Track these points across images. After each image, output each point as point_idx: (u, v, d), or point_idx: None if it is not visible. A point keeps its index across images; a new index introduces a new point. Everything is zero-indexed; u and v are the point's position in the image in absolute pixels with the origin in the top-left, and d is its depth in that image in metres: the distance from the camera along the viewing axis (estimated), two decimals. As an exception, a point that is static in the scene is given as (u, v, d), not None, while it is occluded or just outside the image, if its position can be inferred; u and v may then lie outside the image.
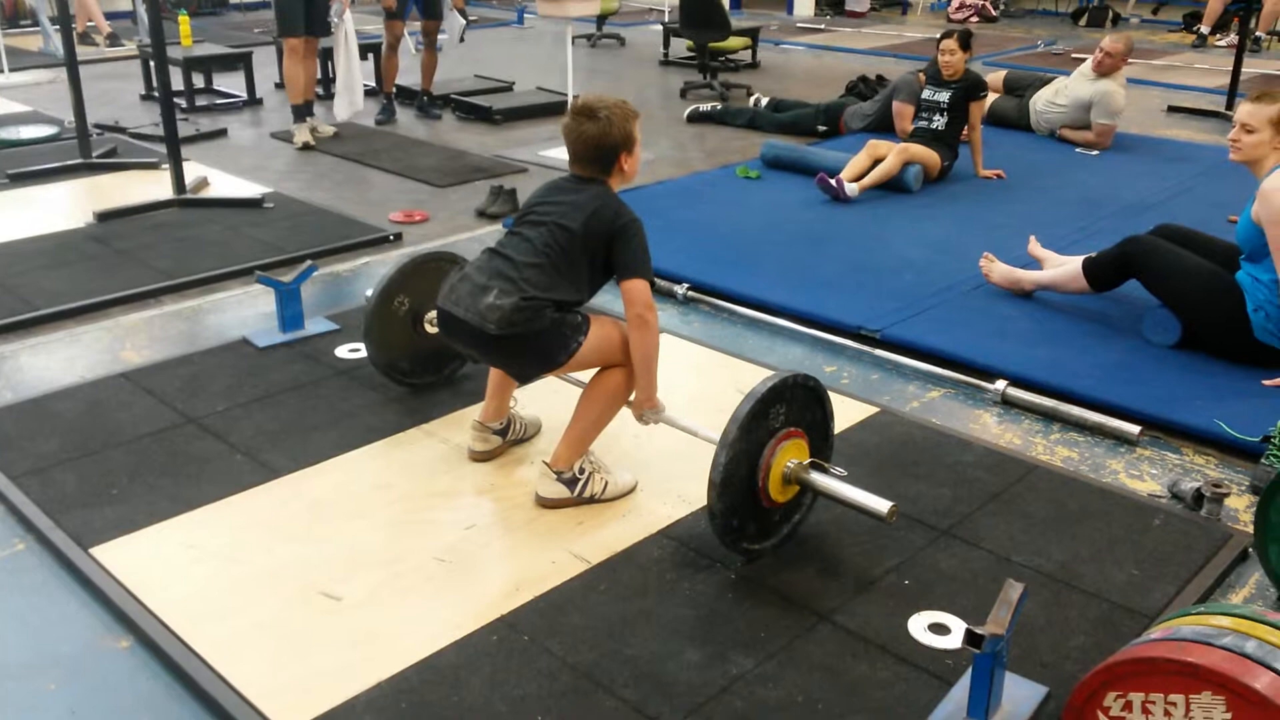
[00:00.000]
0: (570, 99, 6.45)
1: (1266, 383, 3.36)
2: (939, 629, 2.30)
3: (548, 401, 3.19)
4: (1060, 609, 2.37)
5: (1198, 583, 2.46)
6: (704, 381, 3.45)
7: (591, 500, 2.74)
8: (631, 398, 2.74)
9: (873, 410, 3.25)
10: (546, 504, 2.73)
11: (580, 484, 2.72)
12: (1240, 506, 2.82)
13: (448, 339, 2.78)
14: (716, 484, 2.36)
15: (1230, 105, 7.39)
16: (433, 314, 3.22)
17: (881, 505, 2.41)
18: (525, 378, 2.84)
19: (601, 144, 2.62)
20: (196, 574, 2.46)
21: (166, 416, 3.16)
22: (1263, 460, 2.91)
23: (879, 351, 3.70)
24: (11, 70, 8.46)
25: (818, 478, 2.50)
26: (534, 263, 2.60)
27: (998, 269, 4.16)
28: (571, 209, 2.63)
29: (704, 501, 2.73)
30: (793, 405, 2.50)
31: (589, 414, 2.72)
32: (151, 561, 2.50)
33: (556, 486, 2.72)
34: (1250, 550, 2.58)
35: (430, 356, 3.33)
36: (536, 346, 2.62)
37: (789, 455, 2.48)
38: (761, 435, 2.43)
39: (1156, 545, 2.60)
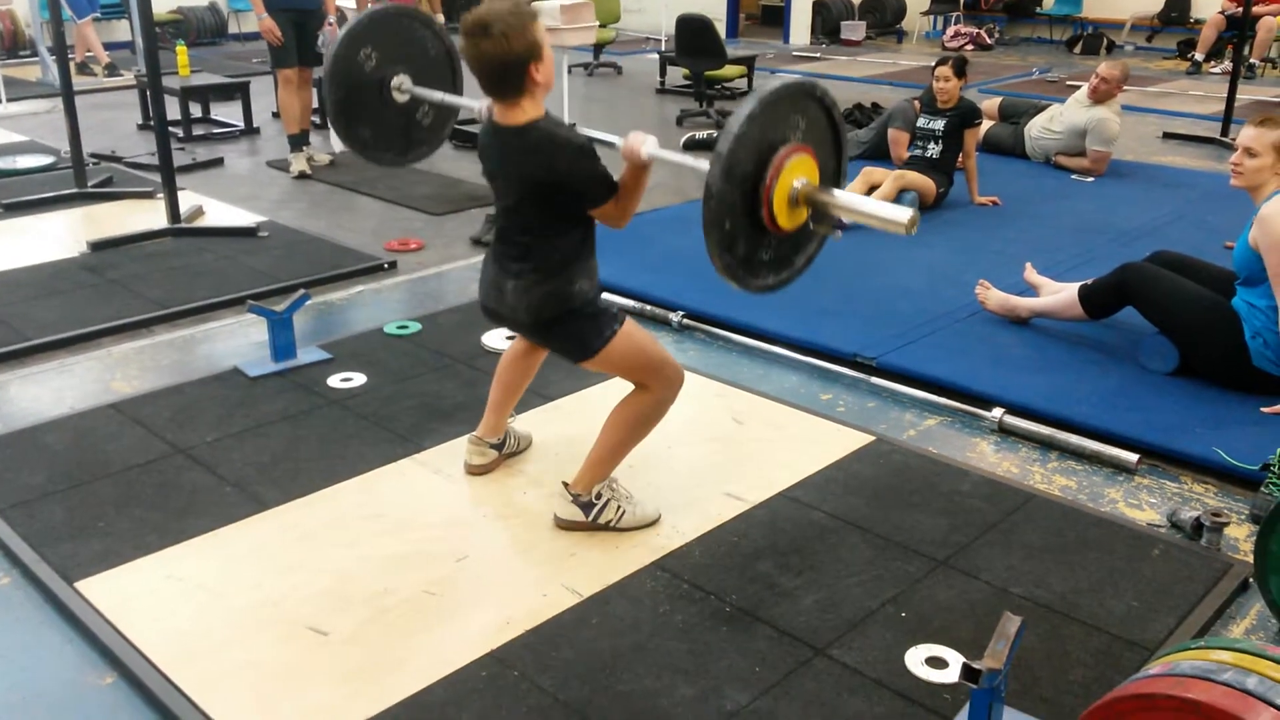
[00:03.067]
0: (569, 126, 6.47)
1: (1265, 410, 3.34)
2: (936, 663, 2.26)
3: (564, 425, 3.16)
4: (1059, 641, 2.33)
5: (1198, 614, 2.42)
6: (699, 409, 3.42)
7: (607, 527, 2.71)
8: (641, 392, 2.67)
9: (868, 439, 3.23)
10: (562, 525, 2.72)
11: (596, 509, 2.70)
12: (1240, 536, 2.79)
13: (493, 323, 2.80)
14: (723, 155, 2.16)
15: (1225, 132, 7.41)
16: (399, 80, 3.12)
17: (901, 214, 2.24)
18: (574, 358, 2.70)
19: (506, 61, 2.37)
20: (183, 608, 2.42)
21: (156, 447, 3.13)
22: (1262, 489, 2.88)
23: (875, 379, 3.67)
24: (9, 100, 8.49)
25: (828, 195, 2.31)
26: (526, 243, 2.53)
27: (994, 296, 4.15)
28: (520, 177, 2.50)
29: (699, 533, 2.72)
30: (814, 125, 2.35)
31: (612, 439, 2.69)
32: (137, 595, 2.46)
33: (572, 509, 2.71)
34: (1250, 581, 2.54)
35: (395, 131, 3.18)
36: (570, 330, 2.57)
37: (798, 172, 2.29)
38: (776, 136, 2.27)
39: (1156, 576, 2.57)
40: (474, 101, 2.92)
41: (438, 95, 3.16)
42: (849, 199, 2.35)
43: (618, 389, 2.80)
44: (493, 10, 2.36)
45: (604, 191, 2.48)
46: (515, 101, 2.46)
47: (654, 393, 2.65)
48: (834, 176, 2.49)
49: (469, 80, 2.78)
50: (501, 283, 2.59)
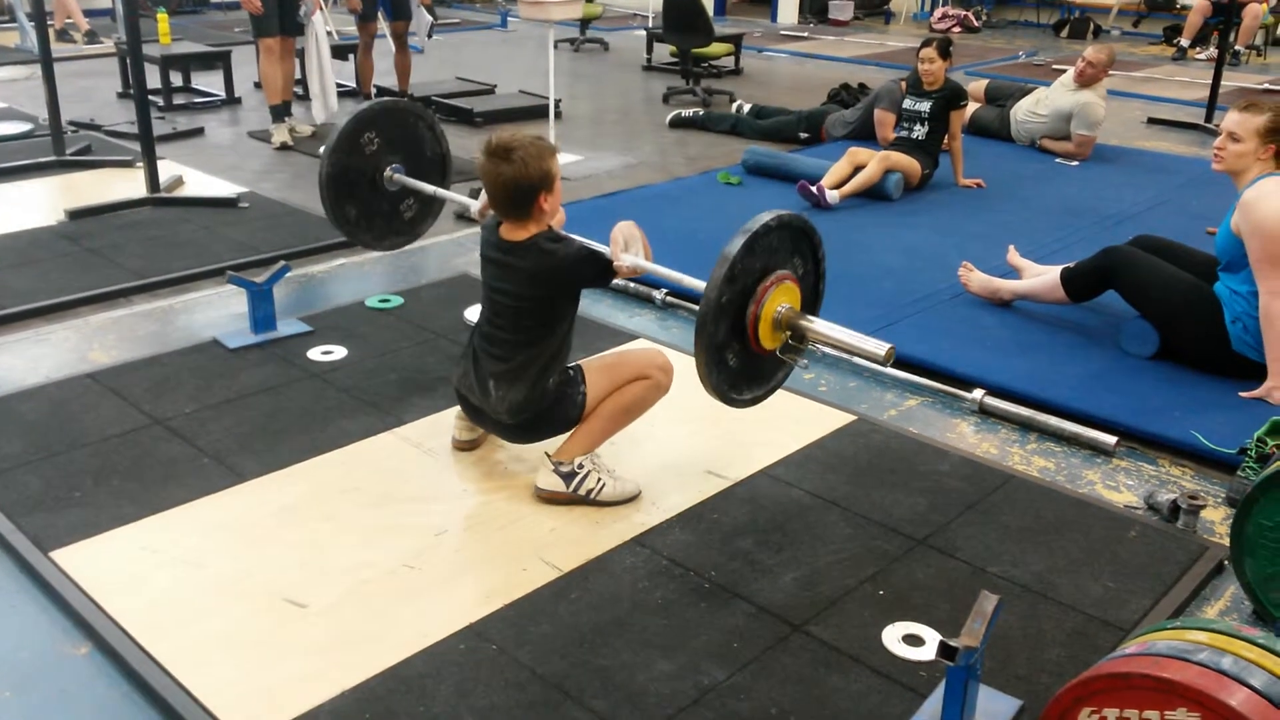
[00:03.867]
0: (552, 102, 6.42)
1: (1243, 394, 3.36)
2: (913, 640, 2.27)
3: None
4: (1036, 621, 2.35)
5: (1173, 596, 2.44)
6: (681, 386, 3.41)
7: (587, 499, 2.71)
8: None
9: (850, 418, 3.23)
10: (543, 496, 2.73)
11: (577, 479, 2.71)
12: (1216, 518, 2.81)
13: (471, 419, 2.89)
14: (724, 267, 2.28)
15: (1209, 118, 7.43)
16: (390, 171, 3.32)
17: (879, 347, 2.32)
18: (566, 431, 2.85)
19: (519, 185, 2.55)
20: (159, 579, 2.41)
21: (133, 418, 3.10)
22: (1239, 472, 2.90)
23: (857, 359, 3.67)
24: (-14, 66, 8.38)
25: (810, 322, 2.42)
26: (514, 344, 2.66)
27: (976, 278, 4.16)
28: (521, 293, 2.64)
29: (679, 509, 2.72)
30: (806, 259, 2.49)
31: (602, 416, 2.74)
32: (113, 566, 2.45)
33: (553, 478, 2.72)
34: (1226, 563, 2.56)
35: (378, 216, 3.38)
36: (551, 418, 2.72)
37: (784, 298, 2.40)
38: (783, 257, 2.41)
39: (1132, 557, 2.58)
40: (470, 200, 3.09)
41: (429, 188, 3.33)
42: (829, 329, 2.43)
43: (600, 365, 2.79)
44: (517, 138, 2.56)
45: (600, 273, 2.67)
46: (522, 223, 2.63)
47: (651, 378, 2.75)
48: (811, 303, 2.63)
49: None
50: (484, 382, 2.71)
